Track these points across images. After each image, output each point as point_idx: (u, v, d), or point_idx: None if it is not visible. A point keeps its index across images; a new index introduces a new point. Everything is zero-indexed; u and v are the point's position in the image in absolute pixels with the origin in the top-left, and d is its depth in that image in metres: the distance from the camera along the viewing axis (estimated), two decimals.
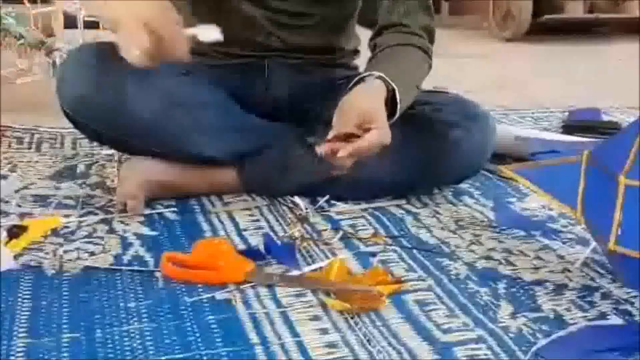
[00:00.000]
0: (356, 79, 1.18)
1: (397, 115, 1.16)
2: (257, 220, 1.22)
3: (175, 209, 1.25)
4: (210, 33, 1.09)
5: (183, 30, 1.05)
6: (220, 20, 1.23)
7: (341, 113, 1.11)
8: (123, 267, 1.03)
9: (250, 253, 1.06)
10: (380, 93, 1.14)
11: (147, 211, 1.23)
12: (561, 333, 0.88)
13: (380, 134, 1.10)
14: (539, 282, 1.01)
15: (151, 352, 0.83)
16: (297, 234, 1.15)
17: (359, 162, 1.12)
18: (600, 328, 0.90)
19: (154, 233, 1.16)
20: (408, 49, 1.26)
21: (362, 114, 1.10)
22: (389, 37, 1.27)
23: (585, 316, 0.92)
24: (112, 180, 1.37)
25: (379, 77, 1.15)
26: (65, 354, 0.82)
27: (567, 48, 3.35)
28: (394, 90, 1.15)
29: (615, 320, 0.92)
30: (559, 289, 0.99)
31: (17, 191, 1.31)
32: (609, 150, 0.94)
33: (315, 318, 0.91)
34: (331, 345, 0.85)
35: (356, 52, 1.43)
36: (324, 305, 0.93)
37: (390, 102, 1.16)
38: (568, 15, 3.62)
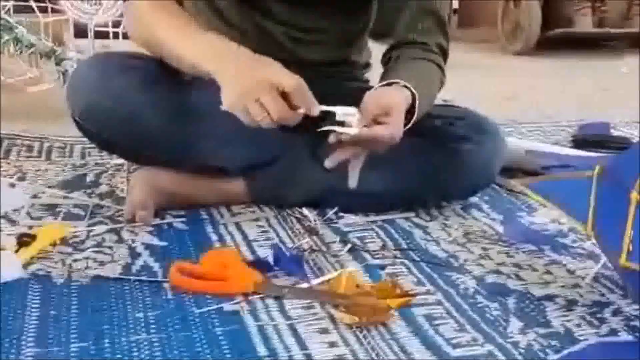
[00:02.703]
0: (383, 82, 1.19)
1: (410, 125, 1.16)
2: (266, 231, 1.22)
3: (184, 219, 1.25)
4: (350, 116, 1.08)
5: (316, 103, 1.07)
6: (240, 35, 1.23)
7: (364, 104, 1.12)
8: (132, 277, 1.02)
9: (259, 264, 1.06)
10: (405, 99, 1.15)
11: (156, 221, 1.23)
12: (572, 349, 0.87)
13: (392, 131, 1.11)
14: (548, 298, 1.00)
15: None
16: (305, 246, 1.15)
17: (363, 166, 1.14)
18: (610, 344, 0.90)
19: (162, 243, 1.15)
20: (426, 63, 1.27)
21: (383, 106, 1.11)
22: (407, 51, 1.28)
23: (596, 332, 0.92)
24: (122, 190, 1.37)
25: (405, 87, 1.16)
26: None
27: (576, 62, 3.35)
28: (413, 101, 1.16)
29: (625, 336, 0.91)
30: (569, 304, 0.99)
31: (29, 198, 1.31)
32: (621, 165, 0.94)
33: (324, 331, 0.90)
34: (339, 358, 0.84)
35: (368, 65, 1.43)
36: (332, 318, 0.93)
37: (408, 113, 1.16)
38: (577, 29, 3.61)
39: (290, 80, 1.06)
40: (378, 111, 1.10)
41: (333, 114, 1.09)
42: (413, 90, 1.16)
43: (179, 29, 1.15)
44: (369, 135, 1.10)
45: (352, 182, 1.15)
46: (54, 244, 1.12)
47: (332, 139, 1.10)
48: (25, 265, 1.04)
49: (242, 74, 1.06)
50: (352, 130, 1.08)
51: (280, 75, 1.06)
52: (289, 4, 1.30)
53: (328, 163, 1.14)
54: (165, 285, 1.00)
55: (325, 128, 1.10)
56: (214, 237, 1.19)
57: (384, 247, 1.16)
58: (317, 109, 1.07)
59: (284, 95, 1.06)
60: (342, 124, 1.09)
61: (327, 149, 1.15)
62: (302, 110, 1.06)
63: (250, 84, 1.05)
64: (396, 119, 1.11)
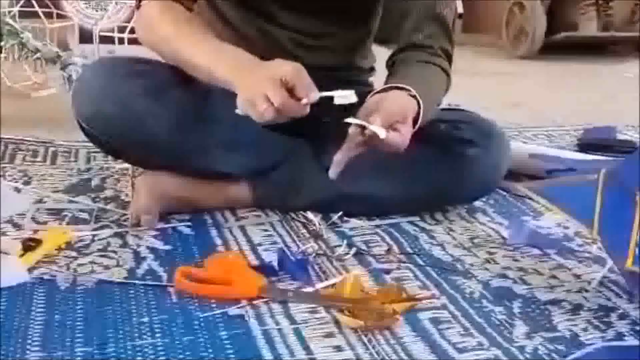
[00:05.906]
0: (391, 85, 1.19)
1: (413, 131, 1.16)
2: (271, 236, 1.22)
3: (188, 224, 1.25)
4: (346, 97, 1.09)
5: (316, 89, 1.08)
6: (244, 40, 1.24)
7: (381, 102, 1.12)
8: (136, 282, 1.02)
9: (264, 268, 1.06)
10: (413, 107, 1.15)
11: (161, 225, 1.23)
12: (578, 354, 0.87)
13: (404, 139, 1.11)
14: (554, 302, 1.00)
15: None
16: (310, 250, 1.15)
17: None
18: (616, 349, 0.89)
19: (167, 247, 1.15)
20: (430, 67, 1.27)
21: (402, 112, 1.12)
22: (412, 54, 1.28)
23: (602, 336, 0.91)
24: (127, 194, 1.37)
25: (413, 96, 1.15)
26: None
27: (581, 66, 3.35)
28: (418, 108, 1.16)
29: (631, 341, 0.91)
30: (575, 308, 0.98)
31: (34, 203, 1.32)
32: (626, 169, 0.94)
33: (329, 335, 0.90)
34: None
35: (372, 69, 1.43)
36: (337, 322, 0.92)
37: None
38: (582, 34, 3.61)
39: (288, 67, 1.07)
40: (399, 117, 1.11)
41: (331, 99, 1.09)
42: (419, 99, 1.16)
43: (196, 38, 1.16)
44: (391, 141, 1.10)
45: (333, 172, 1.14)
46: (59, 249, 1.12)
47: (352, 130, 1.10)
48: (30, 270, 1.04)
49: (252, 75, 1.08)
50: (381, 132, 1.08)
51: (280, 65, 1.08)
52: (293, 9, 1.30)
53: (338, 157, 1.13)
54: (170, 289, 1.00)
55: (352, 121, 1.10)
56: (219, 241, 1.19)
57: (389, 251, 1.16)
58: (315, 95, 1.08)
59: (290, 91, 1.06)
60: (341, 106, 1.09)
61: (333, 155, 1.15)
62: (305, 101, 1.06)
63: (257, 80, 1.07)
64: (408, 128, 1.12)
